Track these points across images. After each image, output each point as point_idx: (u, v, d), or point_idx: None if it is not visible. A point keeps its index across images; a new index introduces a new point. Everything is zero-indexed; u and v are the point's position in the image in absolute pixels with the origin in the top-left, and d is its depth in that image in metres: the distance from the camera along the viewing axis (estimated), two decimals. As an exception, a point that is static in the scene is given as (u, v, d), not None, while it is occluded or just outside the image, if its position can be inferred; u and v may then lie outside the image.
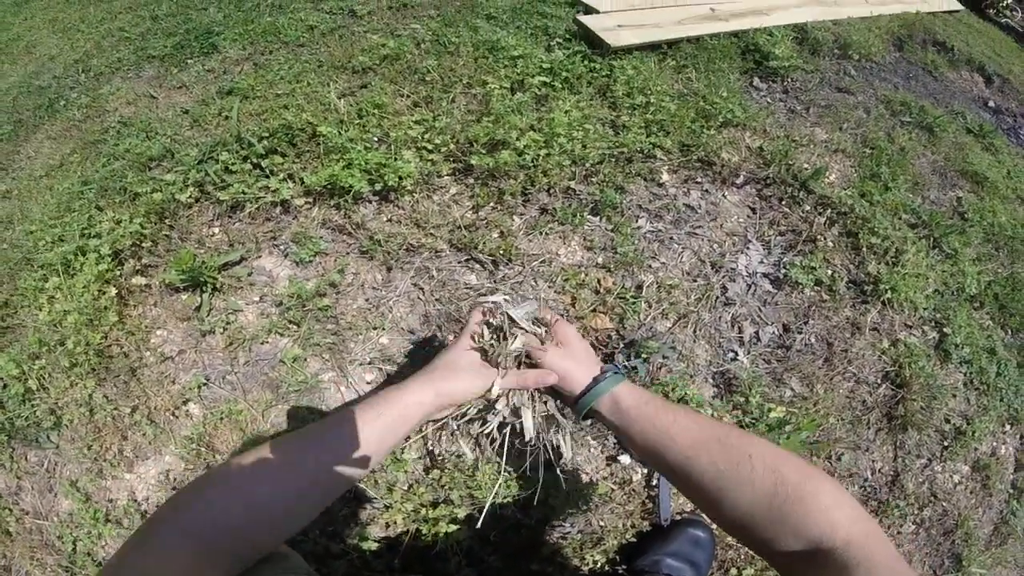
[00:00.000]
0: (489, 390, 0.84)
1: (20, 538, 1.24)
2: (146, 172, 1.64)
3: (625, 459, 1.33)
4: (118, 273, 1.41)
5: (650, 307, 1.48)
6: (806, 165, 1.86)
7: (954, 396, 1.62)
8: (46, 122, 2.22)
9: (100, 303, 1.35)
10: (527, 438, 0.89)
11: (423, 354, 1.36)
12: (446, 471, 1.24)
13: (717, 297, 1.55)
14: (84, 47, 2.67)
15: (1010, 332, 1.83)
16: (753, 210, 1.76)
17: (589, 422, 0.87)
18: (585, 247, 1.56)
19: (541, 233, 1.54)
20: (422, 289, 1.44)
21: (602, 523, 1.30)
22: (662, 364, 1.40)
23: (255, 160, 1.56)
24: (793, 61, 2.26)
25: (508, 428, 0.90)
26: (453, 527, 1.18)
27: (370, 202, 1.55)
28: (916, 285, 1.66)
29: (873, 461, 1.51)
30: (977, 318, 1.78)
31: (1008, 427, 1.70)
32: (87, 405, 1.27)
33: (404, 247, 1.47)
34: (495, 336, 0.88)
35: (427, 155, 1.59)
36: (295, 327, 1.36)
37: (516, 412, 0.89)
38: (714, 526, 1.26)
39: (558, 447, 0.92)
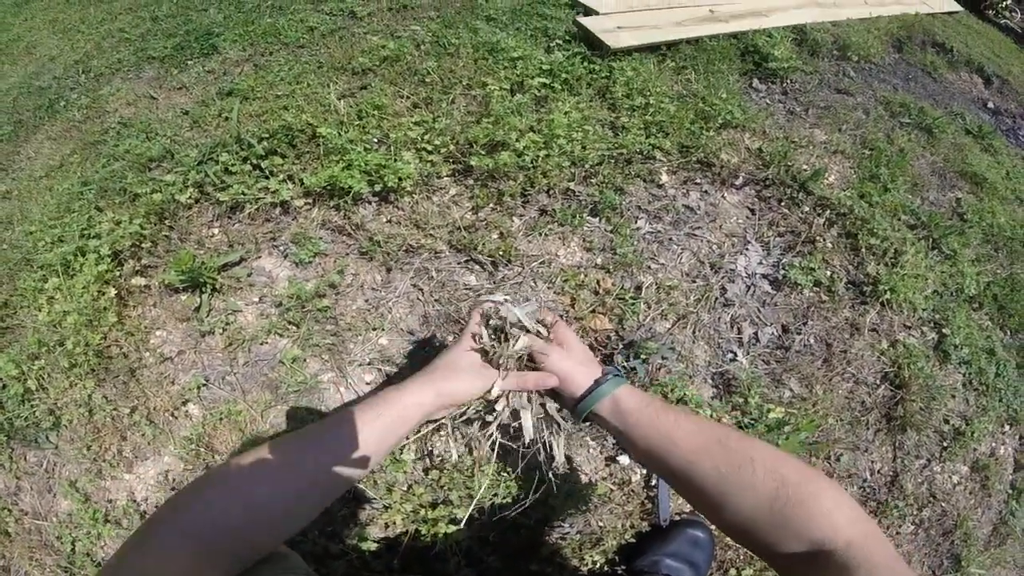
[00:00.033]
0: (489, 391, 0.84)
1: (19, 538, 1.24)
2: (146, 173, 1.65)
3: (624, 460, 1.33)
4: (118, 274, 1.41)
5: (649, 308, 1.48)
6: (805, 166, 1.87)
7: (953, 397, 1.63)
8: (46, 123, 2.22)
9: (99, 304, 1.35)
10: (526, 440, 0.89)
11: (422, 355, 1.36)
12: (445, 472, 1.24)
13: (716, 298, 1.55)
14: (84, 48, 2.68)
15: (1009, 333, 1.83)
16: (752, 211, 1.76)
17: (587, 424, 0.87)
18: (584, 248, 1.56)
19: (540, 234, 1.55)
20: (421, 290, 1.44)
21: (601, 523, 1.30)
22: (661, 365, 1.40)
23: (255, 161, 1.56)
24: (792, 62, 2.27)
25: (502, 429, 0.90)
26: (452, 528, 1.18)
27: (370, 203, 1.55)
28: (915, 286, 1.66)
29: (872, 462, 1.51)
30: (976, 319, 1.78)
31: (1007, 428, 1.70)
32: (86, 405, 1.27)
33: (404, 248, 1.47)
34: (495, 337, 0.88)
35: (427, 156, 1.59)
36: (294, 328, 1.36)
37: (515, 414, 0.89)
38: (713, 527, 1.26)
39: (551, 449, 0.91)
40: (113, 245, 1.42)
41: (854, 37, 2.59)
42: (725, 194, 1.77)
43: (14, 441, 1.29)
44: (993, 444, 1.67)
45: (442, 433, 1.28)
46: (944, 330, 1.67)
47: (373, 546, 1.18)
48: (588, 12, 2.29)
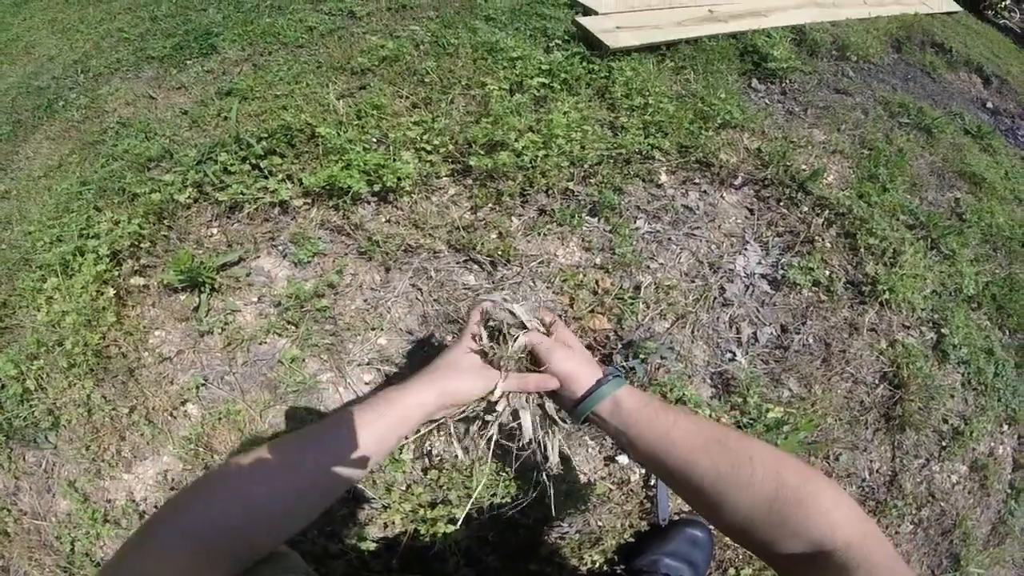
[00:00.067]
0: (491, 392, 0.84)
1: (18, 538, 1.24)
2: (145, 173, 1.65)
3: (623, 459, 1.33)
4: (116, 274, 1.41)
5: (648, 308, 1.48)
6: (804, 166, 1.87)
7: (952, 396, 1.63)
8: (45, 123, 2.22)
9: (98, 303, 1.35)
10: (526, 439, 0.89)
11: (421, 355, 1.36)
12: (444, 471, 1.24)
13: (715, 298, 1.55)
14: (83, 48, 2.67)
15: (1008, 332, 1.83)
16: (751, 211, 1.76)
17: (586, 425, 0.87)
18: (583, 248, 1.56)
19: (539, 234, 1.55)
20: (420, 290, 1.44)
21: (600, 523, 1.30)
22: (660, 365, 1.41)
23: (254, 161, 1.56)
24: (791, 62, 2.27)
25: (498, 429, 0.90)
26: (451, 527, 1.18)
27: (369, 203, 1.55)
28: (914, 286, 1.66)
29: (871, 461, 1.51)
30: (975, 318, 1.78)
31: (1006, 427, 1.71)
32: (85, 405, 1.27)
33: (402, 248, 1.47)
34: (494, 339, 0.88)
35: (426, 156, 1.59)
36: (293, 327, 1.36)
37: (515, 414, 0.89)
38: (712, 527, 1.27)
39: (545, 449, 0.91)
40: (112, 245, 1.42)
41: (853, 37, 2.59)
42: (724, 194, 1.77)
43: (13, 441, 1.29)
44: (992, 444, 1.67)
45: (441, 433, 1.28)
46: (943, 330, 1.68)
47: (372, 546, 1.18)
48: (587, 12, 2.30)
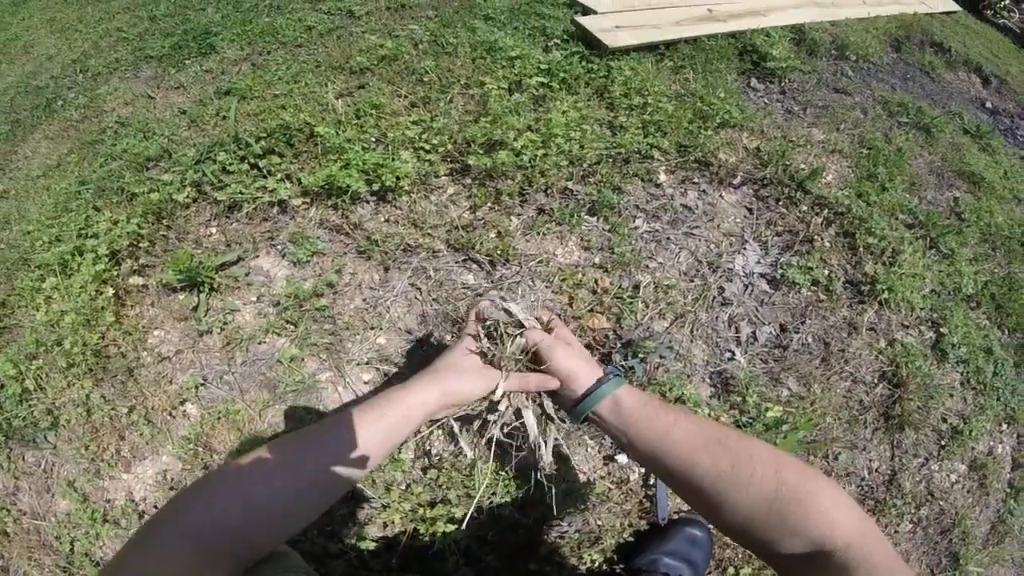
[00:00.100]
0: (492, 391, 0.84)
1: (18, 538, 1.24)
2: (143, 172, 1.65)
3: (622, 458, 1.33)
4: (115, 273, 1.41)
5: (647, 307, 1.48)
6: (803, 165, 1.87)
7: (951, 395, 1.63)
8: (43, 122, 2.22)
9: (97, 303, 1.35)
10: (531, 438, 0.89)
11: (420, 354, 1.36)
12: (443, 471, 1.24)
13: (714, 297, 1.55)
14: (82, 47, 2.67)
15: (1007, 332, 1.83)
16: (750, 210, 1.76)
17: (585, 424, 0.87)
18: (582, 247, 1.56)
19: (538, 233, 1.55)
20: (419, 289, 1.44)
21: (600, 522, 1.30)
22: (659, 364, 1.41)
23: (253, 160, 1.56)
24: (790, 62, 2.27)
25: (499, 428, 0.90)
26: (451, 527, 1.18)
27: (367, 202, 1.55)
28: (913, 285, 1.66)
29: (870, 460, 1.51)
30: (974, 318, 1.78)
31: (1005, 426, 1.71)
32: (84, 405, 1.27)
33: (401, 247, 1.47)
34: (493, 338, 0.88)
35: (424, 155, 1.59)
36: (292, 327, 1.36)
37: (518, 413, 0.89)
38: (712, 525, 1.27)
39: (540, 449, 0.92)
40: (111, 245, 1.42)
41: (852, 37, 2.59)
42: (723, 193, 1.77)
43: (12, 441, 1.29)
44: (991, 443, 1.67)
45: (441, 433, 1.28)
46: (942, 329, 1.68)
47: (372, 545, 1.18)
48: (586, 11, 2.30)
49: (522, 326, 0.89)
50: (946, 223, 1.90)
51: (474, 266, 1.49)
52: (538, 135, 1.64)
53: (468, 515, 0.99)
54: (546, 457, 0.92)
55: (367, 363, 1.35)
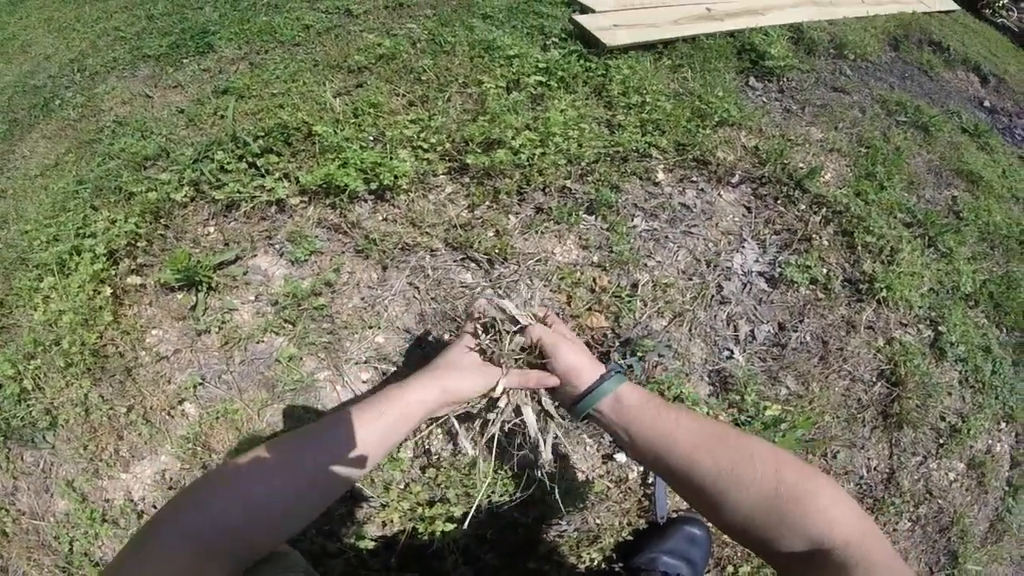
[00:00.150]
0: (493, 389, 0.84)
1: (17, 539, 1.24)
2: (141, 171, 1.64)
3: (621, 457, 1.33)
4: (113, 273, 1.41)
5: (646, 306, 1.48)
6: (801, 164, 1.87)
7: (949, 394, 1.63)
8: (41, 121, 2.21)
9: (95, 303, 1.34)
10: (531, 435, 0.89)
11: (419, 353, 1.36)
12: (442, 470, 1.24)
13: (713, 296, 1.55)
14: (80, 46, 2.67)
15: (1005, 330, 1.83)
16: (748, 209, 1.76)
17: (585, 422, 0.86)
18: (581, 246, 1.56)
19: (537, 232, 1.54)
20: (418, 288, 1.44)
21: (598, 521, 1.30)
22: (658, 362, 1.41)
23: (251, 159, 1.56)
24: (789, 61, 2.27)
25: (500, 427, 0.90)
26: (450, 526, 1.18)
27: (366, 201, 1.55)
28: (911, 284, 1.67)
29: (869, 459, 1.51)
30: (972, 316, 1.78)
31: (1003, 424, 1.71)
32: (83, 405, 1.27)
33: (400, 246, 1.47)
34: (492, 337, 0.88)
35: (423, 154, 1.59)
36: (291, 326, 1.36)
37: (518, 410, 0.89)
38: (710, 524, 1.27)
39: (539, 447, 0.92)
40: (109, 244, 1.42)
41: (851, 36, 2.59)
42: (721, 192, 1.77)
43: (11, 441, 1.29)
44: (989, 441, 1.67)
45: (440, 431, 1.28)
46: (940, 327, 1.68)
47: (370, 544, 1.18)
48: (584, 10, 2.29)
49: (516, 322, 0.89)
50: (944, 222, 1.90)
51: (472, 265, 1.49)
52: (536, 134, 1.64)
53: (470, 515, 0.99)
54: (546, 455, 0.92)
55: (365, 362, 1.35)
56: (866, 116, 2.25)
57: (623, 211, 1.63)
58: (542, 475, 0.95)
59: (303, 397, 1.30)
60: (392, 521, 1.20)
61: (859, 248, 1.69)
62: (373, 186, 1.50)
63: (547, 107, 1.78)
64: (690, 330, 1.49)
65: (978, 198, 2.12)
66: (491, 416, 0.88)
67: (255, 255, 1.46)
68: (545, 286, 1.47)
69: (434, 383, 0.79)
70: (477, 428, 0.93)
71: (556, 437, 0.93)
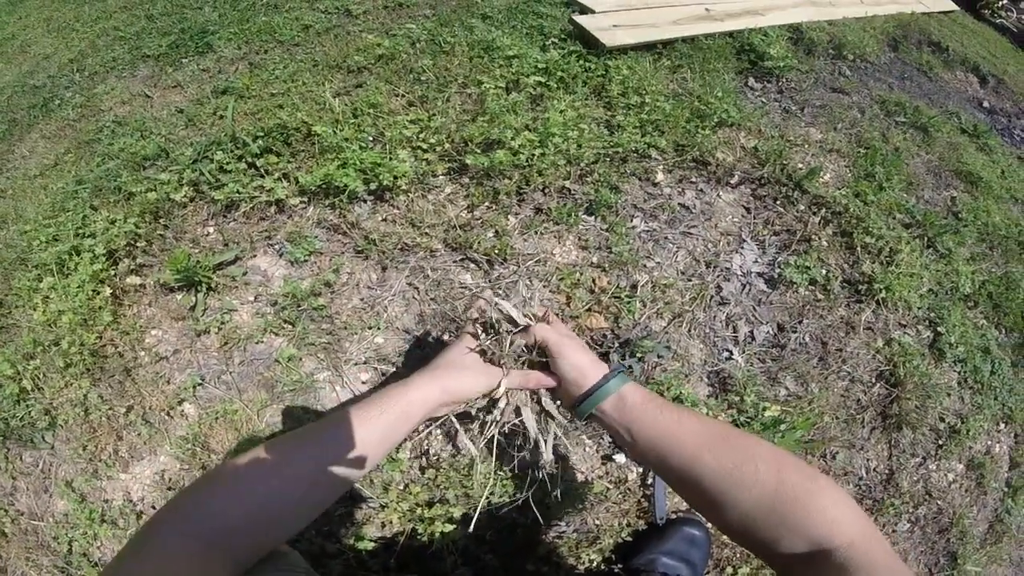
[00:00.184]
0: (494, 389, 0.84)
1: (16, 539, 1.24)
2: (141, 171, 1.64)
3: (620, 458, 1.33)
4: (112, 273, 1.41)
5: (645, 306, 1.48)
6: (801, 165, 1.87)
7: (948, 395, 1.63)
8: (40, 121, 2.21)
9: (94, 303, 1.34)
10: (531, 436, 0.89)
11: (418, 353, 1.36)
12: (441, 470, 1.24)
13: (712, 296, 1.55)
14: (79, 46, 2.67)
15: (1004, 331, 1.84)
16: (748, 210, 1.76)
17: (585, 423, 0.86)
18: (580, 246, 1.56)
19: (536, 232, 1.55)
20: (417, 288, 1.44)
21: (598, 522, 1.30)
22: (657, 363, 1.41)
23: (250, 159, 1.56)
24: (788, 61, 2.27)
25: (500, 427, 0.90)
26: (449, 527, 1.18)
27: (365, 201, 1.55)
28: (910, 284, 1.67)
29: (868, 460, 1.51)
30: (971, 317, 1.78)
31: (1002, 425, 1.71)
32: (82, 405, 1.27)
33: (399, 246, 1.47)
34: (492, 338, 0.88)
35: (422, 154, 1.59)
36: (290, 327, 1.36)
37: (517, 410, 0.89)
38: (710, 525, 1.27)
39: (540, 447, 0.92)
40: (108, 244, 1.42)
41: (850, 36, 2.59)
42: (721, 193, 1.77)
43: (10, 441, 1.29)
44: (988, 442, 1.67)
45: (438, 433, 1.28)
46: (939, 328, 1.68)
47: (370, 545, 1.18)
48: (584, 10, 2.29)
49: (514, 322, 0.89)
50: (943, 222, 1.91)
51: (472, 265, 1.49)
52: (535, 134, 1.64)
53: (474, 517, 0.98)
54: (547, 455, 0.92)
55: (365, 363, 1.35)
56: (865, 117, 2.25)
57: (622, 212, 1.63)
58: (543, 476, 0.95)
59: (302, 398, 1.30)
60: (391, 522, 1.20)
61: (858, 249, 1.70)
62: (372, 186, 1.50)
63: (546, 107, 1.78)
64: (689, 331, 1.49)
65: (977, 199, 2.12)
66: (491, 416, 0.88)
67: (254, 255, 1.46)
68: (544, 287, 1.47)
69: (435, 383, 0.79)
70: (477, 428, 0.93)
71: (556, 438, 0.93)
